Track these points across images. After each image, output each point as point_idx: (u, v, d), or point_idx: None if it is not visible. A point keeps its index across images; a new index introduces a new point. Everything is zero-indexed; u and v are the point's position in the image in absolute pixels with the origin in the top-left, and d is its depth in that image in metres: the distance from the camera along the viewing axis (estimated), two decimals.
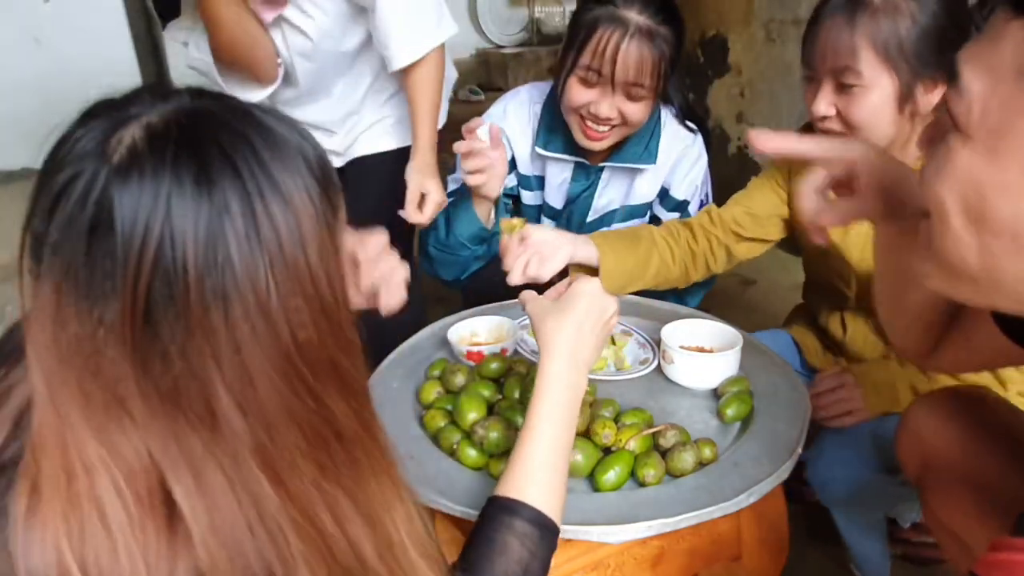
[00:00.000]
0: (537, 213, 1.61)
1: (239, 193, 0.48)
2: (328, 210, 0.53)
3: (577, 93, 1.35)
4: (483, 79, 4.53)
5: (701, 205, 1.54)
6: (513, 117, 1.53)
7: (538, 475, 0.77)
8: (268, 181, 0.49)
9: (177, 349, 0.47)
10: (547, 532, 0.74)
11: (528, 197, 1.59)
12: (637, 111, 1.36)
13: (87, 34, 2.53)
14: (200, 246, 0.47)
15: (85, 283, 0.46)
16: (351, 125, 1.56)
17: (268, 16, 1.34)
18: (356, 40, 1.47)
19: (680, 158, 1.51)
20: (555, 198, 1.57)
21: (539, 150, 1.49)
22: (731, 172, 2.84)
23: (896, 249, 0.87)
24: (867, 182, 0.77)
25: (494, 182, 1.33)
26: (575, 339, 0.85)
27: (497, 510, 0.74)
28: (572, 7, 4.46)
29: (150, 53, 3.27)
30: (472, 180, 1.31)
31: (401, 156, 1.52)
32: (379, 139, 1.57)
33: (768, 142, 0.78)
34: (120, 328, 0.47)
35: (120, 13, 2.71)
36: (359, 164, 1.58)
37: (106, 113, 0.49)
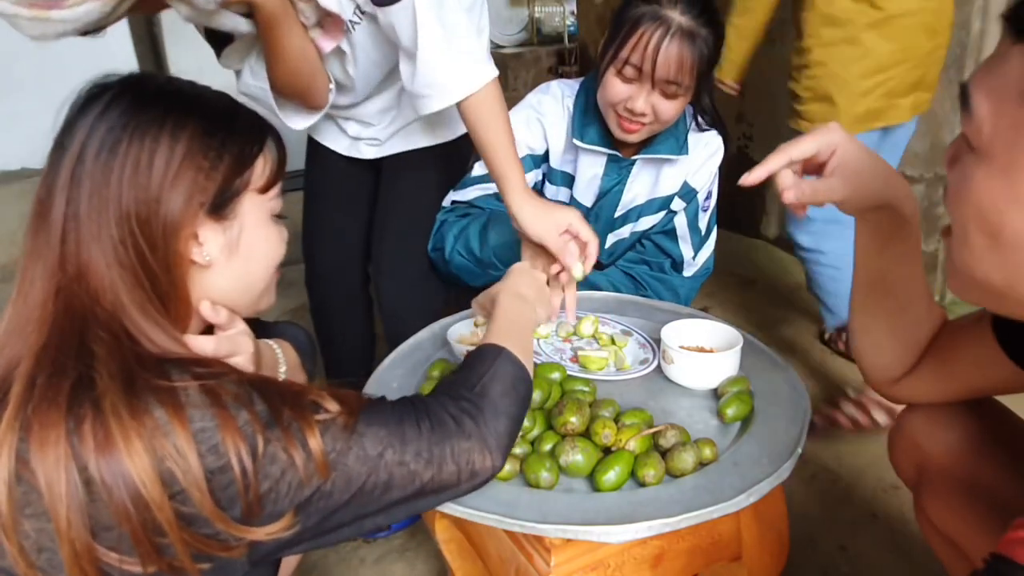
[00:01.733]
0: None
1: (138, 135, 0.72)
2: (218, 149, 0.75)
3: (614, 87, 1.37)
4: None
5: (708, 196, 1.55)
6: (549, 109, 1.54)
7: (511, 339, 0.89)
8: (157, 132, 0.73)
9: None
10: (525, 372, 0.86)
11: (551, 192, 1.60)
12: (670, 109, 1.38)
13: None
14: (91, 151, 0.72)
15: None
16: (389, 120, 1.57)
17: (327, 46, 1.32)
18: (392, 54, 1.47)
19: (701, 150, 1.53)
20: (585, 195, 1.57)
21: (576, 142, 1.50)
22: (732, 172, 2.84)
23: (877, 255, 0.87)
24: (836, 164, 0.80)
25: None
26: (516, 285, 1.02)
27: (484, 347, 0.87)
28: (572, 7, 4.45)
29: (150, 53, 3.27)
30: None
31: (432, 152, 1.57)
32: (413, 136, 1.59)
33: (753, 175, 0.85)
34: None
35: None
36: (395, 159, 1.60)
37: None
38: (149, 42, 3.29)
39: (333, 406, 0.71)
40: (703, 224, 1.56)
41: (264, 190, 0.81)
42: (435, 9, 1.21)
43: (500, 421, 0.79)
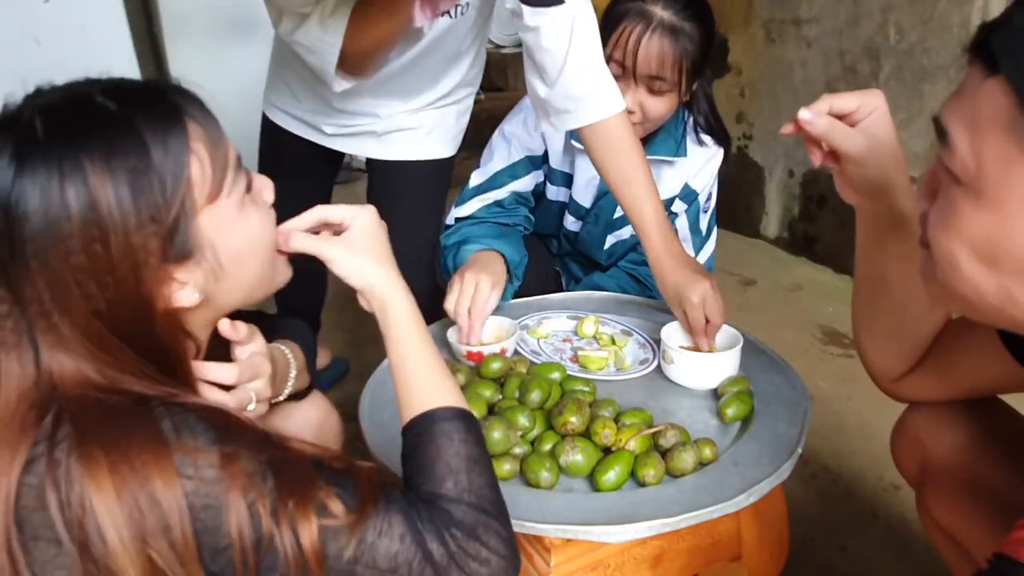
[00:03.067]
0: (560, 210, 1.61)
1: (41, 175, 0.60)
2: (150, 192, 0.63)
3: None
4: (483, 79, 4.51)
5: (708, 198, 1.55)
6: None
7: (429, 384, 0.76)
8: (71, 163, 0.60)
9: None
10: (466, 417, 0.75)
11: (552, 192, 1.60)
12: (658, 106, 1.37)
13: (87, 34, 2.53)
14: (2, 218, 0.60)
15: None
16: (394, 114, 1.52)
17: (422, 20, 1.19)
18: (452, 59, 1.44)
19: (701, 151, 1.53)
20: (584, 196, 1.57)
21: (573, 143, 1.50)
22: (731, 172, 2.84)
23: (876, 251, 0.87)
24: (866, 125, 0.80)
25: None
26: (377, 263, 0.81)
27: (415, 433, 0.73)
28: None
29: (150, 52, 3.27)
30: None
31: (426, 167, 1.55)
32: (410, 146, 1.55)
33: (794, 123, 0.80)
34: None
35: (120, 13, 2.71)
36: (390, 166, 1.57)
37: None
38: (149, 42, 3.29)
39: (339, 508, 0.63)
40: (704, 225, 1.56)
41: (215, 196, 0.69)
42: (591, 24, 1.18)
43: (492, 521, 0.68)
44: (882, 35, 2.34)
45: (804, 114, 0.80)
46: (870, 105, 0.81)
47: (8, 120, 0.62)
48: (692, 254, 1.56)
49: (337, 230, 0.83)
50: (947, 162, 0.56)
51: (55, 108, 0.63)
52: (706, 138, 1.51)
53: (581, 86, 1.22)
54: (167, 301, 0.68)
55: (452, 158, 1.60)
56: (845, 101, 0.81)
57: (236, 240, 0.72)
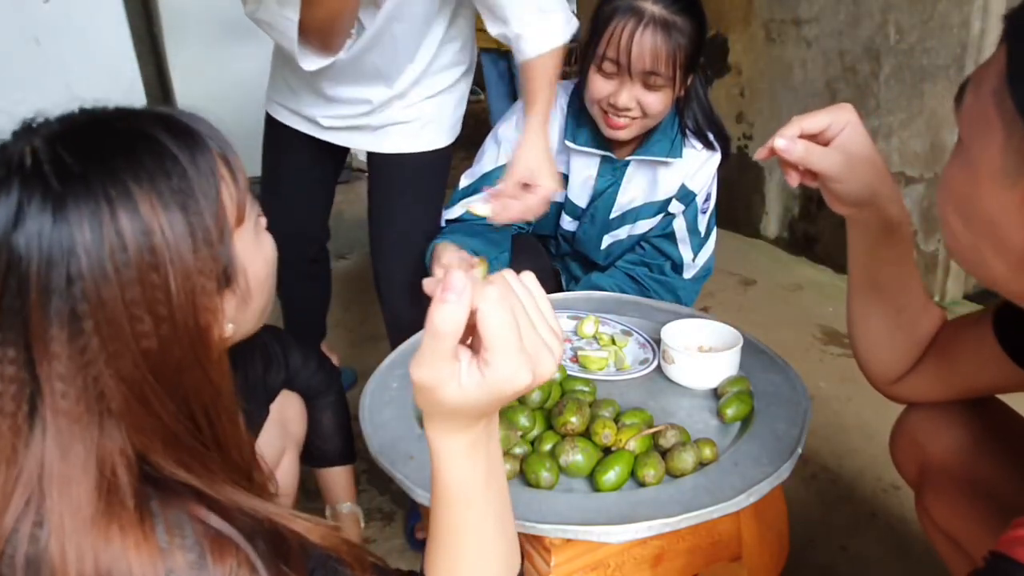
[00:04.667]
0: (557, 210, 1.61)
1: (89, 206, 0.52)
2: (196, 215, 0.57)
3: (597, 84, 1.37)
4: (483, 79, 4.53)
5: (707, 199, 1.54)
6: None
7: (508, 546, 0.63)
8: (117, 189, 0.53)
9: (18, 364, 0.52)
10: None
11: None
12: (656, 101, 1.37)
13: (87, 34, 2.54)
14: (44, 266, 0.51)
15: None
16: (385, 101, 1.51)
17: None
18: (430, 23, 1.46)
19: (698, 152, 1.52)
20: (579, 196, 1.57)
21: (568, 143, 1.50)
22: (731, 172, 2.84)
23: (868, 257, 0.88)
24: (840, 142, 0.81)
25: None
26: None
27: None
28: (573, 7, 4.45)
29: (150, 52, 3.27)
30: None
31: (424, 158, 1.55)
32: (406, 139, 1.55)
33: (766, 148, 0.82)
34: None
35: (120, 13, 2.71)
36: (387, 160, 1.57)
37: None
38: (149, 42, 3.29)
39: None
40: (702, 226, 1.56)
41: (241, 219, 0.65)
42: None
43: None
44: (882, 35, 2.34)
45: (779, 142, 0.81)
46: (841, 120, 0.81)
47: (17, 163, 0.54)
48: (691, 255, 1.56)
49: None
50: (956, 121, 0.59)
51: (76, 138, 0.56)
52: (701, 141, 1.50)
53: (516, 25, 1.36)
54: (220, 332, 0.61)
55: (450, 147, 1.60)
56: (815, 120, 0.81)
57: (258, 265, 0.68)
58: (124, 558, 0.52)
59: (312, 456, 1.27)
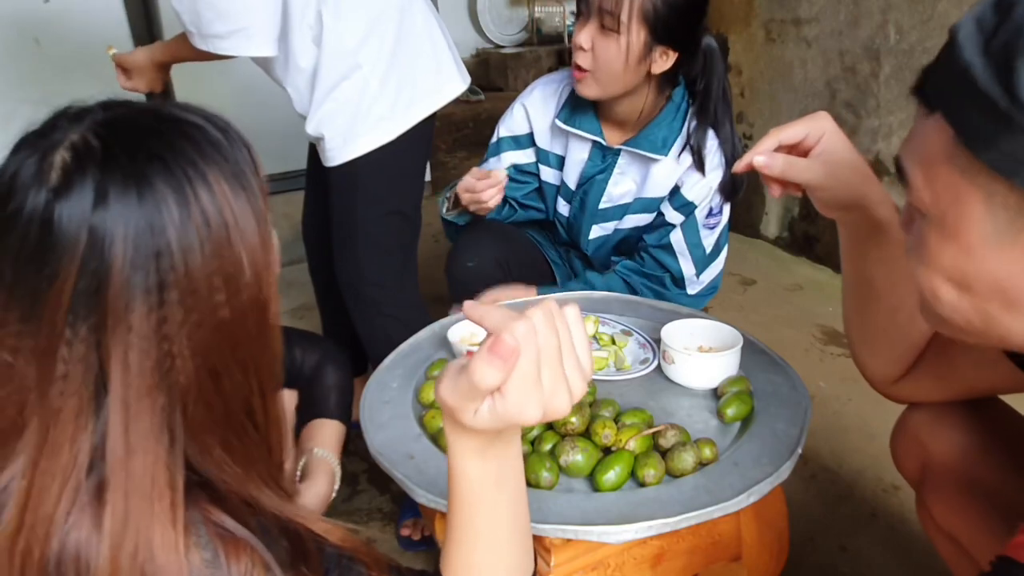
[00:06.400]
0: (555, 193, 1.63)
1: (172, 185, 0.54)
2: (252, 196, 0.59)
3: (575, 32, 1.40)
4: (483, 79, 4.51)
5: (710, 214, 1.50)
6: (539, 91, 1.60)
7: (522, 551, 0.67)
8: (193, 170, 0.56)
9: (88, 344, 0.53)
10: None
11: (547, 174, 1.62)
12: (607, 48, 1.34)
13: (87, 34, 2.53)
14: (131, 243, 0.52)
15: (28, 300, 0.52)
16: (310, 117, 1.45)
17: None
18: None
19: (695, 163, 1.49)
20: (571, 177, 1.59)
21: (558, 122, 1.53)
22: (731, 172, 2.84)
23: (859, 258, 0.88)
24: (819, 150, 0.82)
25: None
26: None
27: None
28: (572, 7, 4.45)
29: None
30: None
31: (339, 170, 1.45)
32: (332, 152, 1.45)
33: (744, 160, 0.83)
34: (41, 328, 0.52)
35: (120, 13, 2.71)
36: (336, 172, 1.49)
37: (32, 144, 0.55)
38: (149, 41, 3.29)
39: None
40: (708, 242, 1.51)
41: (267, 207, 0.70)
42: None
43: None
44: (882, 35, 2.34)
45: (759, 159, 0.82)
46: (818, 129, 0.82)
47: (83, 148, 0.54)
48: (693, 270, 1.52)
49: None
50: (910, 197, 0.59)
51: (132, 123, 0.57)
52: (709, 154, 1.46)
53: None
54: (277, 307, 0.63)
55: (399, 139, 1.45)
56: (792, 131, 0.82)
57: (275, 256, 0.70)
58: (163, 552, 0.53)
59: (306, 411, 1.17)
